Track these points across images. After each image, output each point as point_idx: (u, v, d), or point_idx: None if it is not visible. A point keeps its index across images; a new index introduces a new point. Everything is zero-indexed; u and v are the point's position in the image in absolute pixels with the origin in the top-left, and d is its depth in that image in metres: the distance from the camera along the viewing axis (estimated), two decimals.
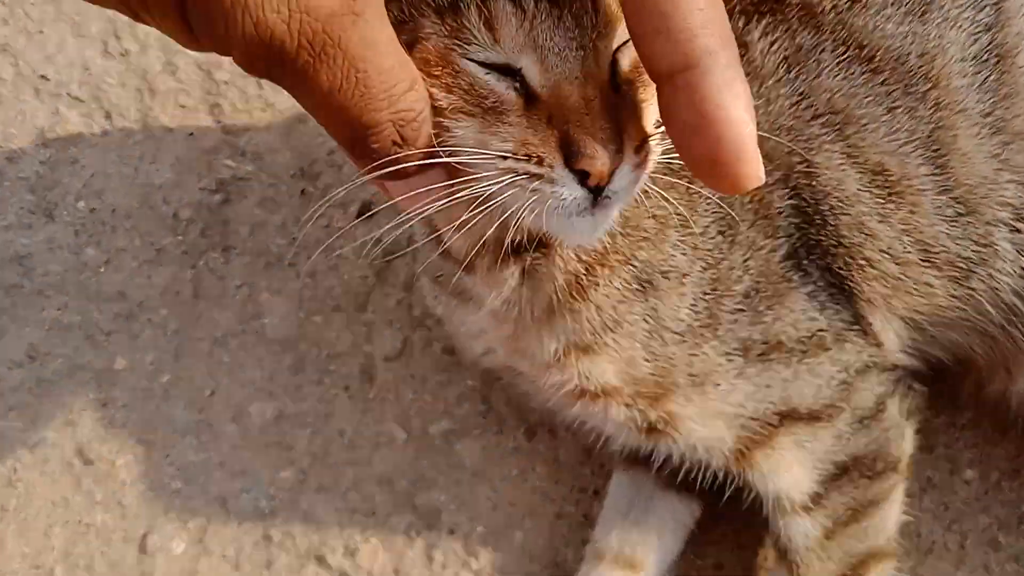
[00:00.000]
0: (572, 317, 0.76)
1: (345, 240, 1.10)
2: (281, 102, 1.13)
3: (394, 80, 0.47)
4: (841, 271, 0.79)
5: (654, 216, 0.76)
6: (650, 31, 0.46)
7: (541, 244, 0.73)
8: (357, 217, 1.10)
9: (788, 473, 0.79)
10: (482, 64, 0.54)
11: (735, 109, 0.47)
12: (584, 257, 0.73)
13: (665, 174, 0.65)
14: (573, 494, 1.04)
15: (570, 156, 0.52)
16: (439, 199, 0.54)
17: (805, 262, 0.79)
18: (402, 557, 1.04)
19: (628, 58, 0.56)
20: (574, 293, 0.75)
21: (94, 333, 1.11)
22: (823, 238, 0.79)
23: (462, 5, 0.52)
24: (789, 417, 0.78)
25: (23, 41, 1.17)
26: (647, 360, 0.78)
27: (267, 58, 0.45)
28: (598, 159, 0.52)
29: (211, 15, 0.43)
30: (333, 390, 1.09)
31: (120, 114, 1.15)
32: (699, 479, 0.95)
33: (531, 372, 0.85)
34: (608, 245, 0.75)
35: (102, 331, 1.11)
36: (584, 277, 0.74)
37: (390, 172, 0.50)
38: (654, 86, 0.50)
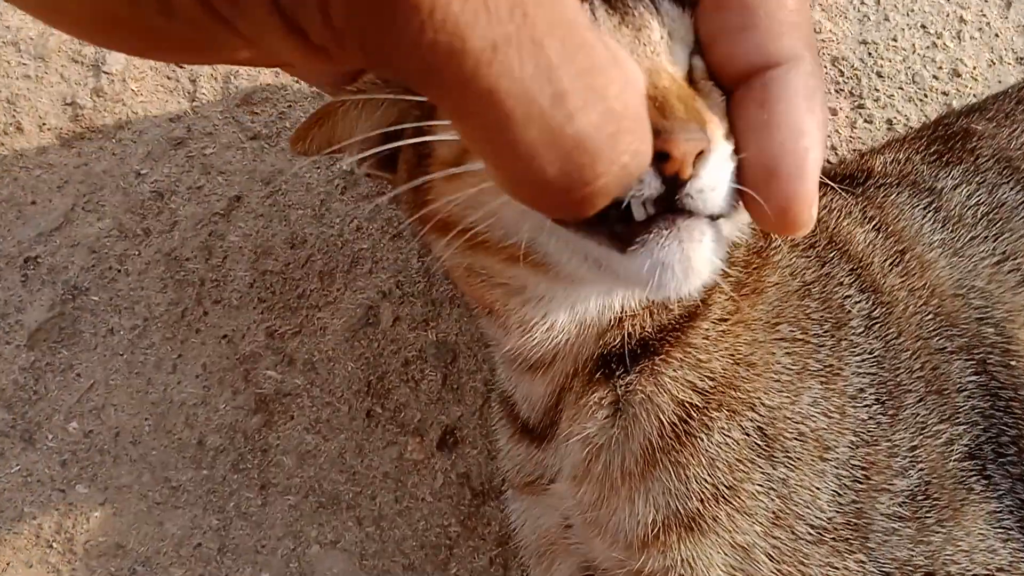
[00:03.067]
0: (675, 472, 0.64)
1: (421, 475, 0.95)
2: (347, 299, 1.00)
3: (609, 76, 0.37)
4: None
5: (789, 351, 0.66)
6: (733, 27, 0.48)
7: (643, 352, 0.66)
8: (438, 446, 0.96)
9: None
10: None
11: (808, 122, 0.47)
12: (698, 383, 0.65)
13: (803, 295, 0.64)
14: None
15: None
16: None
17: (992, 466, 0.68)
18: None
19: (700, 67, 0.55)
20: (681, 435, 0.64)
21: None
22: (1021, 435, 0.69)
23: None
24: None
25: (11, 216, 1.02)
26: (770, 556, 0.64)
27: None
28: (679, 137, 0.47)
29: None
30: None
31: (131, 308, 1.00)
32: None
33: (615, 558, 0.70)
34: (725, 374, 0.65)
35: None
36: (694, 413, 0.64)
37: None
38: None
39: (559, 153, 0.35)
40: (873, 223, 0.75)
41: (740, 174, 0.51)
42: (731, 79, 0.51)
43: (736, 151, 0.51)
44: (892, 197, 0.78)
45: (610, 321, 0.67)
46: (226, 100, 1.09)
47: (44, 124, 1.08)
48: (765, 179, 0.49)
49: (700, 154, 0.49)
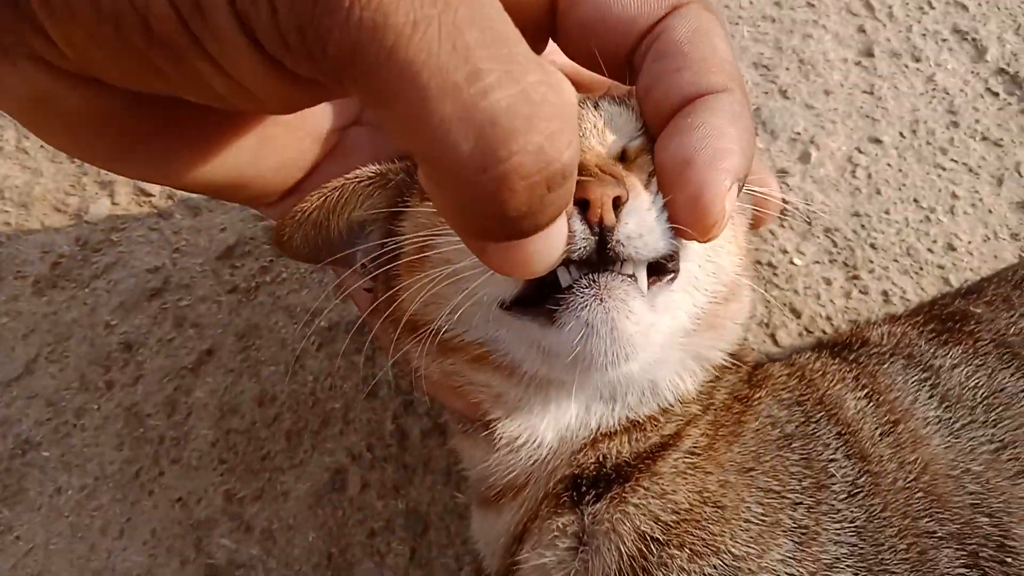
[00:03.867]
0: None
1: None
2: (314, 461, 0.95)
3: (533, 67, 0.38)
4: None
5: (761, 501, 0.63)
6: (671, 70, 0.53)
7: (617, 479, 0.65)
8: None
9: None
10: None
11: (730, 131, 0.51)
12: (661, 515, 0.63)
13: (782, 446, 0.64)
14: None
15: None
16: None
17: None
18: None
19: (636, 145, 0.61)
20: (639, 572, 0.61)
21: None
22: None
23: None
24: None
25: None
26: None
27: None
28: (595, 184, 0.52)
29: None
30: None
31: (83, 466, 0.95)
32: None
33: None
34: (691, 511, 0.62)
35: None
36: (654, 548, 0.61)
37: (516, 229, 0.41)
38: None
39: (472, 128, 0.37)
40: (865, 391, 0.74)
41: (665, 157, 0.53)
42: (668, 115, 0.54)
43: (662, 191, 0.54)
44: (885, 367, 0.77)
45: (585, 439, 0.67)
46: (207, 252, 1.09)
47: (20, 272, 1.07)
48: (680, 169, 0.51)
49: (620, 202, 0.53)
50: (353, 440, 0.97)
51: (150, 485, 0.94)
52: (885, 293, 1.09)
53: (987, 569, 0.64)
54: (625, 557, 0.62)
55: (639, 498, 0.64)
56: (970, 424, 0.71)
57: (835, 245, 1.12)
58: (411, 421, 0.97)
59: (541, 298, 0.55)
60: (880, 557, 0.63)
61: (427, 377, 0.69)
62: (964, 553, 0.65)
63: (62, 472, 0.94)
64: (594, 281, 0.54)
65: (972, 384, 0.73)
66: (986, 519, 0.66)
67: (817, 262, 1.12)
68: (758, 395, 0.73)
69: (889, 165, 1.20)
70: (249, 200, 0.70)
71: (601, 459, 0.67)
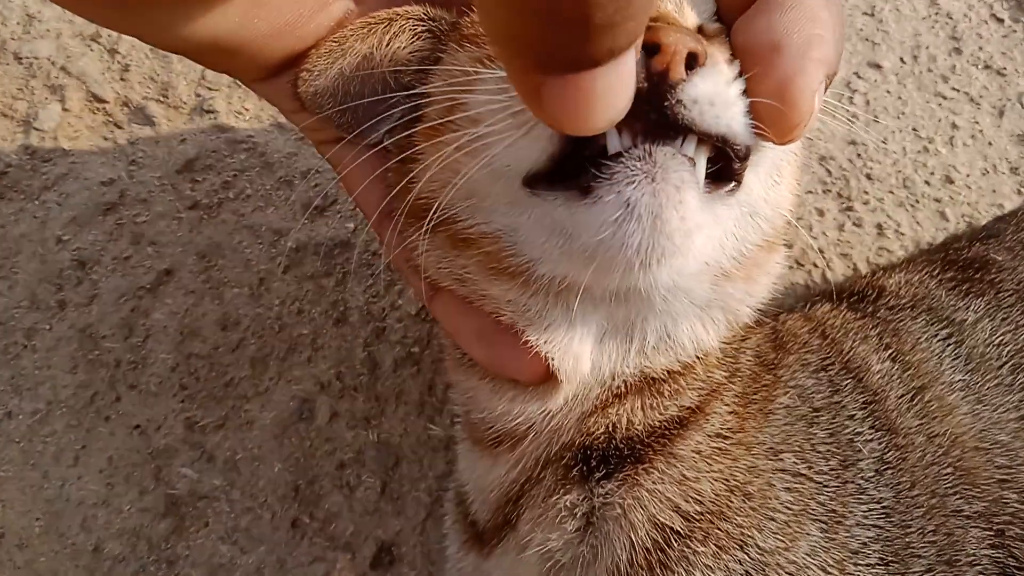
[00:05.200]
0: None
1: None
2: (280, 390, 0.92)
3: None
4: None
5: (790, 487, 0.59)
6: None
7: (631, 457, 0.59)
8: (371, 565, 0.86)
9: None
10: None
11: (823, 14, 0.46)
12: (682, 504, 0.57)
13: (810, 422, 0.59)
14: None
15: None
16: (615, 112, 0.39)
17: None
18: None
19: (714, 27, 0.54)
20: (655, 566, 0.56)
21: None
22: None
23: None
24: None
25: None
26: None
27: None
28: (671, 30, 0.44)
29: None
30: None
31: (34, 389, 0.91)
32: None
33: None
34: (716, 500, 0.56)
35: None
36: (675, 542, 0.55)
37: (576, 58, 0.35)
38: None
39: None
40: (889, 352, 0.69)
41: (750, 37, 0.48)
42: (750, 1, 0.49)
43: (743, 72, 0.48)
44: (907, 323, 0.72)
45: (597, 395, 0.60)
46: (166, 165, 1.03)
47: None
48: (767, 54, 0.46)
49: (696, 62, 0.45)
50: (322, 368, 0.93)
51: (106, 411, 0.90)
52: (879, 226, 1.06)
53: (1013, 549, 0.61)
54: (639, 548, 0.57)
55: (653, 482, 0.58)
56: (996, 388, 0.67)
57: (829, 174, 1.09)
58: (383, 349, 0.94)
59: (574, 175, 0.47)
60: (908, 540, 0.60)
61: (436, 285, 0.60)
62: (991, 533, 0.61)
63: (12, 395, 0.90)
64: (649, 154, 0.45)
65: (997, 341, 0.69)
66: (1015, 495, 0.62)
67: (810, 191, 1.08)
68: (786, 360, 0.67)
69: (888, 92, 1.16)
70: (240, 70, 0.60)
71: (611, 428, 0.60)
